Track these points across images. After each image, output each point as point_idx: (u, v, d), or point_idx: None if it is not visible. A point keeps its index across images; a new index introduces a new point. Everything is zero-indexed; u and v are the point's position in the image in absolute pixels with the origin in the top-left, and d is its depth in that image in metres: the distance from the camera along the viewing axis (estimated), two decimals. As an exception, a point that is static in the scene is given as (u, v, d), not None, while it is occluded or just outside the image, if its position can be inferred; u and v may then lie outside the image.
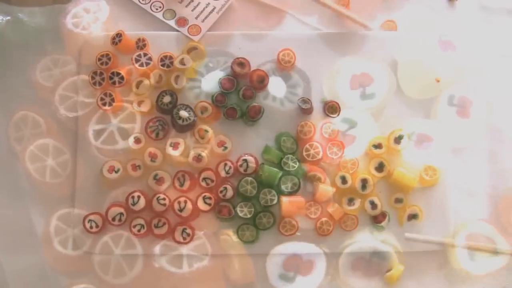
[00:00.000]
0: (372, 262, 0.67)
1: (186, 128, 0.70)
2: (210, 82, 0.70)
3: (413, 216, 0.68)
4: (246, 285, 0.67)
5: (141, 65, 0.71)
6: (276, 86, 0.70)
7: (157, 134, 0.69)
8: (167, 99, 0.70)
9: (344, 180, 0.68)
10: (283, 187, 0.68)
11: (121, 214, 0.68)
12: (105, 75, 0.71)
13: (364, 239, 0.67)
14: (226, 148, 0.69)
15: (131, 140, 0.69)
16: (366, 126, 0.70)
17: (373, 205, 0.68)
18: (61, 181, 0.68)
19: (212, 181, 0.69)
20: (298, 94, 0.70)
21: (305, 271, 0.67)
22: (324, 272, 0.67)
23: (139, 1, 0.74)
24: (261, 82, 0.71)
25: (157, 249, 0.67)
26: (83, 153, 0.69)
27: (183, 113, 0.69)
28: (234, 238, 0.67)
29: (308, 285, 0.67)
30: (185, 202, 0.67)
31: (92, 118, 0.69)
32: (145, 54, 0.71)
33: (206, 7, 0.74)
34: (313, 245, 0.68)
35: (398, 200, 0.69)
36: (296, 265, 0.67)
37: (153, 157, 0.69)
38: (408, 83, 0.71)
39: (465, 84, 0.71)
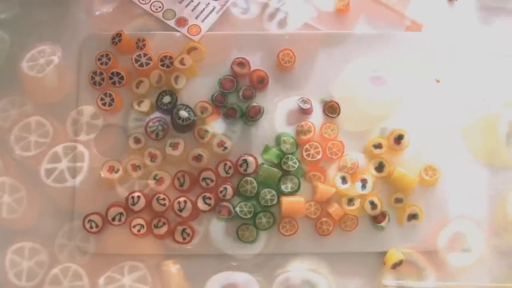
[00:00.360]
0: None
1: (186, 128, 0.69)
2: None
3: (413, 216, 0.68)
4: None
5: (141, 65, 0.71)
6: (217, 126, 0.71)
7: (157, 134, 0.69)
8: (167, 99, 0.70)
9: (344, 180, 0.69)
10: (283, 187, 0.68)
11: (121, 214, 0.68)
12: (105, 75, 0.71)
13: (295, 269, 0.68)
14: (226, 148, 0.69)
15: (131, 140, 0.69)
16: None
17: (373, 205, 0.68)
18: (16, 217, 0.69)
19: (212, 181, 0.69)
20: (236, 132, 0.70)
21: None
22: None
23: (139, 1, 0.74)
24: (261, 82, 0.71)
25: (101, 280, 0.67)
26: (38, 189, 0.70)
27: (183, 113, 0.69)
28: (174, 269, 0.67)
29: None
30: (185, 202, 0.67)
31: (44, 157, 0.70)
32: (145, 54, 0.71)
33: (206, 7, 0.74)
34: (248, 274, 0.67)
35: (398, 200, 0.69)
36: None
37: (153, 157, 0.69)
38: (344, 116, 0.71)
39: (397, 117, 0.71)
